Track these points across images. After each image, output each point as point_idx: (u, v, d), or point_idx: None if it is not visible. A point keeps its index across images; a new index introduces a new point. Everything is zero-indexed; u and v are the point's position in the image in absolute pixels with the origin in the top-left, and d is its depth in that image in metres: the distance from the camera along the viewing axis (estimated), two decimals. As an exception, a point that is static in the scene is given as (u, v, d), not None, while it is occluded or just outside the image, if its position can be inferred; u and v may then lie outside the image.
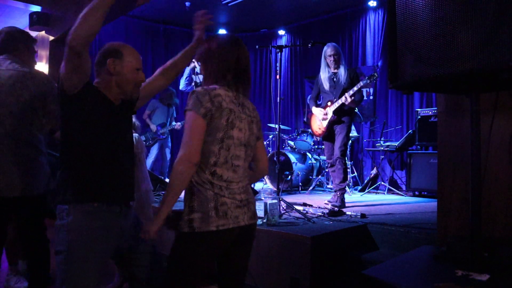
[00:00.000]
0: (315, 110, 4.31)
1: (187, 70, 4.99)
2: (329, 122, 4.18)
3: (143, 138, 6.13)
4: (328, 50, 4.15)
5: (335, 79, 4.17)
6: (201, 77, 4.86)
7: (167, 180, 6.01)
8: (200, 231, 1.59)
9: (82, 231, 1.57)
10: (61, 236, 1.56)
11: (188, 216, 1.63)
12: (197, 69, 4.82)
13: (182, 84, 5.12)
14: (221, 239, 1.62)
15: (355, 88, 3.96)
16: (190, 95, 1.63)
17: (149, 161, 6.30)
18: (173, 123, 6.67)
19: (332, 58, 4.12)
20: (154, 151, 6.45)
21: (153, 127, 6.43)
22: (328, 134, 4.25)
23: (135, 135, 3.10)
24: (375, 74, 4.12)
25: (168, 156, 6.79)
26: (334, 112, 4.12)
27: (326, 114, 4.18)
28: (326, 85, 4.20)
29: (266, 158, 1.85)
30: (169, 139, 6.81)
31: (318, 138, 4.74)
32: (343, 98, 3.98)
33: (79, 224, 1.58)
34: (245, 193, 1.71)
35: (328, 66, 4.19)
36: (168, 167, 6.86)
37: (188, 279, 1.65)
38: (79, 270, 1.55)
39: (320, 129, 4.31)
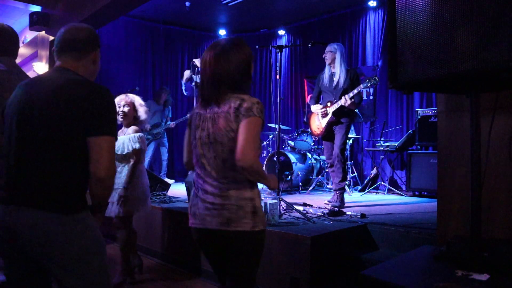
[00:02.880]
0: (314, 107, 4.31)
1: (186, 75, 4.99)
2: (328, 123, 4.18)
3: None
4: (326, 48, 4.18)
5: (335, 79, 4.16)
6: (201, 77, 4.88)
7: (166, 180, 6.01)
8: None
9: None
10: None
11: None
12: (198, 69, 4.82)
13: (184, 92, 5.14)
14: (194, 236, 1.79)
15: (355, 91, 3.96)
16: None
17: (146, 160, 6.32)
18: (168, 122, 6.67)
19: (325, 55, 4.16)
20: (149, 151, 6.46)
21: (147, 126, 6.44)
22: (327, 134, 4.25)
23: (141, 134, 3.13)
24: (376, 78, 4.11)
25: (166, 155, 6.79)
26: (334, 113, 4.12)
27: (324, 110, 4.18)
28: (327, 85, 4.20)
29: (240, 148, 1.60)
30: (166, 138, 6.82)
31: (318, 138, 4.74)
32: (343, 99, 3.97)
33: None
34: (222, 197, 1.67)
35: (329, 65, 4.20)
36: (166, 167, 6.86)
37: None
38: None
39: (319, 129, 4.31)
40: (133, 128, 3.16)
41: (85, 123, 1.45)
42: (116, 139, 1.55)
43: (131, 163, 3.04)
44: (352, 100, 3.97)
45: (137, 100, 3.27)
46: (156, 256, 3.92)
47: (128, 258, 3.20)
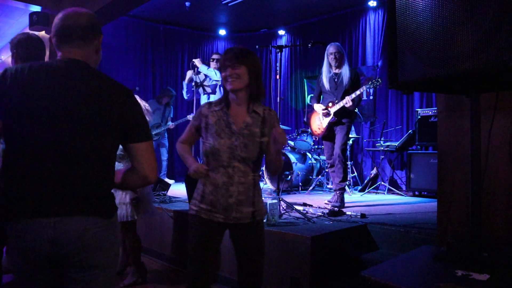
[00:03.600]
0: (316, 106, 4.30)
1: (189, 75, 4.99)
2: (329, 123, 4.18)
3: None
4: (330, 48, 4.14)
5: (336, 80, 4.16)
6: (201, 77, 4.88)
7: (166, 180, 6.00)
8: None
9: None
10: None
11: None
12: (198, 69, 4.83)
13: (184, 95, 5.13)
14: None
15: (358, 92, 3.96)
16: (275, 112, 2.07)
17: None
18: (169, 122, 6.67)
19: (333, 56, 4.10)
20: None
21: None
22: (328, 134, 4.25)
23: None
24: (379, 79, 4.10)
25: (165, 155, 6.78)
26: (335, 113, 4.12)
27: (326, 109, 4.17)
28: (327, 86, 4.19)
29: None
30: (166, 138, 6.81)
31: (318, 138, 4.74)
32: (345, 100, 3.97)
33: None
34: None
35: (330, 66, 4.18)
36: (166, 167, 6.86)
37: None
38: None
39: (319, 129, 4.31)
40: None
41: (124, 129, 1.44)
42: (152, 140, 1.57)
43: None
44: (353, 101, 3.97)
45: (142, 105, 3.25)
46: (157, 256, 3.92)
47: (139, 260, 3.21)
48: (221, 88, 4.87)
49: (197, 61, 4.87)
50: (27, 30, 6.04)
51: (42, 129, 1.35)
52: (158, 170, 1.58)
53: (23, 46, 2.39)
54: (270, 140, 1.90)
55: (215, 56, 5.02)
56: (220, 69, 1.98)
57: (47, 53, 2.61)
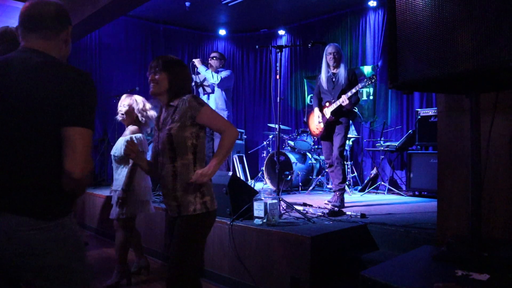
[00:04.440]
0: (315, 110, 4.31)
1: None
2: (327, 123, 4.18)
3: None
4: (329, 48, 4.16)
5: (334, 80, 4.17)
6: (201, 77, 4.88)
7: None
8: (212, 209, 2.01)
9: None
10: None
11: (202, 200, 1.98)
12: (197, 69, 4.83)
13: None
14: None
15: (354, 90, 3.97)
16: (191, 95, 2.02)
17: None
18: None
19: (331, 56, 4.12)
20: (149, 152, 6.45)
21: (148, 130, 6.43)
22: (326, 134, 4.25)
23: (140, 135, 3.11)
24: (374, 76, 4.12)
25: None
26: (332, 113, 4.12)
27: (320, 117, 4.20)
28: (325, 86, 4.20)
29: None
30: None
31: (318, 138, 4.75)
32: (341, 99, 3.99)
33: None
34: None
35: (328, 66, 4.20)
36: None
37: (201, 253, 2.06)
38: None
39: (318, 129, 4.32)
40: (130, 129, 3.14)
41: (60, 111, 1.25)
42: (93, 131, 1.33)
43: (130, 165, 3.02)
44: (350, 100, 3.98)
45: (139, 102, 3.21)
46: (157, 256, 3.92)
47: (124, 260, 3.17)
48: (220, 88, 4.90)
49: (196, 61, 4.87)
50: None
51: None
52: (87, 168, 1.28)
53: (0, 41, 2.34)
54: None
55: (214, 55, 5.02)
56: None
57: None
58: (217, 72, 4.88)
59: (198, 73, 4.87)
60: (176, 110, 1.98)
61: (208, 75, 4.76)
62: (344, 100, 3.97)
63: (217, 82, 4.74)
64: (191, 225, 1.96)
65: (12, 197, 1.23)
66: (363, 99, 6.91)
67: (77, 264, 1.35)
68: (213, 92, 4.91)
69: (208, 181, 2.03)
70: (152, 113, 3.24)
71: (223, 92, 4.85)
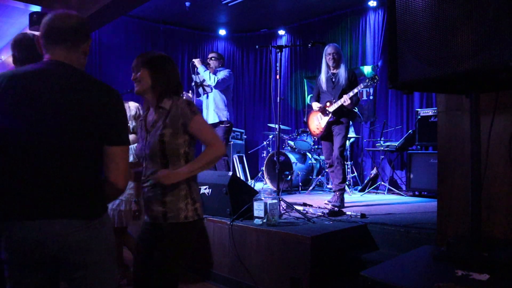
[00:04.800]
0: (314, 105, 4.31)
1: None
2: (327, 123, 4.18)
3: None
4: (328, 49, 4.16)
5: (334, 80, 4.17)
6: (201, 77, 4.87)
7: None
8: (202, 216, 1.97)
9: None
10: None
11: (193, 206, 1.90)
12: (197, 69, 4.82)
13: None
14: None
15: (355, 90, 3.97)
16: (185, 101, 1.94)
17: None
18: None
19: (331, 56, 4.12)
20: None
21: None
22: (327, 134, 4.25)
23: (135, 145, 3.07)
24: (376, 76, 4.11)
25: None
26: (333, 113, 4.12)
27: (325, 107, 4.17)
28: (325, 86, 4.20)
29: None
30: None
31: (317, 138, 4.76)
32: (343, 99, 3.98)
33: None
34: None
35: (328, 66, 4.20)
36: None
37: (188, 260, 2.03)
38: None
39: (318, 129, 4.32)
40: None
41: (103, 130, 1.40)
42: (129, 145, 1.51)
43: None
44: (351, 100, 3.98)
45: (132, 109, 3.11)
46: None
47: (121, 261, 3.16)
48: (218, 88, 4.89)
49: (196, 62, 4.87)
50: (27, 30, 6.05)
51: (21, 133, 1.35)
52: (127, 180, 1.51)
53: (18, 48, 2.35)
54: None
55: (212, 55, 5.01)
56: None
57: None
58: (215, 72, 4.87)
59: (198, 73, 4.86)
60: (169, 115, 1.88)
61: (205, 75, 4.76)
62: (346, 99, 3.96)
63: (213, 84, 4.73)
64: (183, 233, 1.86)
65: (63, 205, 1.37)
66: (363, 99, 6.91)
67: (112, 256, 1.51)
68: (212, 92, 4.90)
69: (196, 186, 1.96)
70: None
71: (222, 92, 4.85)
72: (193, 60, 4.90)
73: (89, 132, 1.38)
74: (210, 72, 4.76)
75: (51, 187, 1.36)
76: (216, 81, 4.70)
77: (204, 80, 4.87)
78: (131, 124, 3.11)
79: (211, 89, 4.89)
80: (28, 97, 1.35)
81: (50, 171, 1.36)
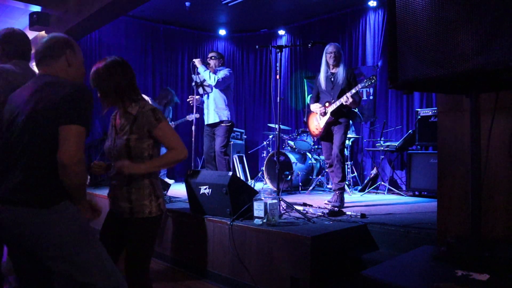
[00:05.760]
0: (313, 106, 4.31)
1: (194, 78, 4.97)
2: (326, 123, 4.18)
3: None
4: (329, 47, 4.16)
5: (333, 80, 4.17)
6: (201, 76, 4.87)
7: (166, 180, 6.00)
8: (164, 210, 2.14)
9: None
10: None
11: (156, 202, 2.07)
12: (197, 69, 4.82)
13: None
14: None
15: (353, 91, 3.96)
16: (150, 108, 2.07)
17: None
18: (170, 123, 6.66)
19: (332, 55, 4.12)
20: None
21: None
22: (326, 134, 4.25)
23: None
24: (374, 77, 4.10)
25: None
26: (332, 113, 4.12)
27: (324, 108, 4.17)
28: (324, 86, 4.20)
29: None
30: None
31: (317, 138, 4.76)
32: (344, 98, 3.97)
33: None
34: None
35: (327, 65, 4.19)
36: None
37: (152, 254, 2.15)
38: None
39: (317, 129, 4.32)
40: None
41: (55, 114, 1.52)
42: (88, 129, 1.58)
43: None
44: (353, 98, 3.97)
45: None
46: (157, 257, 3.92)
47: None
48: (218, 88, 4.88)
49: (197, 61, 4.86)
50: (27, 30, 6.06)
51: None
52: (80, 160, 1.54)
53: (8, 42, 2.38)
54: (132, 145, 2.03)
55: (212, 55, 5.01)
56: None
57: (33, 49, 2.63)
58: (215, 71, 4.87)
59: (198, 73, 4.86)
60: (136, 121, 2.02)
61: (205, 75, 4.75)
62: (347, 98, 3.95)
63: (213, 84, 4.73)
64: (148, 227, 2.05)
65: (14, 193, 1.52)
66: (363, 99, 6.91)
67: (77, 243, 1.57)
68: (212, 91, 4.90)
69: (158, 183, 2.13)
70: None
71: (222, 92, 4.85)
72: (194, 60, 4.90)
73: (43, 120, 1.53)
74: (210, 72, 4.75)
75: (7, 175, 1.54)
76: (216, 80, 4.69)
77: (204, 80, 4.86)
78: None
79: (212, 89, 4.88)
80: (12, 108, 1.64)
81: (8, 162, 1.56)
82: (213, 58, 4.96)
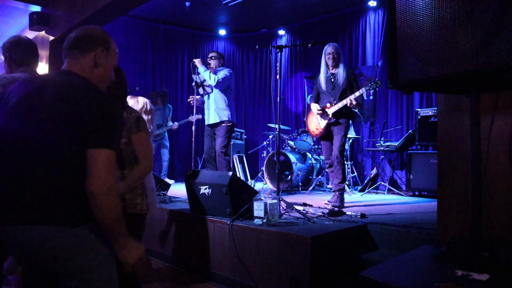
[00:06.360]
0: (312, 106, 4.31)
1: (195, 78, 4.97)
2: (327, 124, 4.18)
3: None
4: (328, 48, 4.16)
5: (333, 80, 4.17)
6: (201, 77, 4.87)
7: (166, 180, 6.00)
8: (148, 209, 2.32)
9: None
10: None
11: (145, 201, 2.26)
12: (197, 69, 4.82)
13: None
14: None
15: (357, 94, 3.96)
16: (136, 116, 2.21)
17: None
18: (169, 123, 6.65)
19: (331, 56, 4.12)
20: None
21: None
22: (326, 135, 4.25)
23: None
24: (379, 81, 4.08)
25: (167, 156, 6.78)
26: (333, 114, 4.11)
27: (323, 110, 4.17)
28: (324, 86, 4.20)
29: None
30: (167, 139, 6.80)
31: (317, 138, 4.77)
32: (347, 100, 3.97)
33: None
34: None
35: (327, 66, 4.19)
36: (167, 167, 6.87)
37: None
38: None
39: (317, 129, 4.32)
40: None
41: (82, 134, 1.34)
42: (116, 151, 1.41)
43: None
44: (357, 101, 3.97)
45: (139, 102, 3.13)
46: (157, 256, 3.92)
47: None
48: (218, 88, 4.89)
49: (197, 62, 4.86)
50: (27, 30, 6.06)
51: (4, 140, 1.40)
52: (111, 188, 1.36)
53: (15, 50, 2.40)
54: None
55: (212, 55, 5.01)
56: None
57: (45, 54, 2.64)
58: (216, 71, 4.87)
59: (199, 73, 4.86)
60: (124, 127, 2.11)
61: (206, 75, 4.75)
62: (351, 101, 3.94)
63: (213, 84, 4.73)
64: (138, 222, 2.21)
65: (42, 211, 1.35)
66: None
67: (102, 268, 1.44)
68: (212, 91, 4.90)
69: (144, 185, 2.32)
70: (151, 116, 3.18)
71: (223, 92, 4.85)
72: (194, 60, 4.90)
73: (68, 137, 1.35)
74: (210, 72, 4.75)
75: (30, 194, 1.35)
76: (216, 80, 4.69)
77: (204, 80, 4.86)
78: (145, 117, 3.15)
79: (212, 89, 4.88)
80: (18, 104, 1.41)
81: (27, 177, 1.35)
82: (213, 58, 4.96)
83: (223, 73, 4.79)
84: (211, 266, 3.31)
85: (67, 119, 1.35)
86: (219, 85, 4.75)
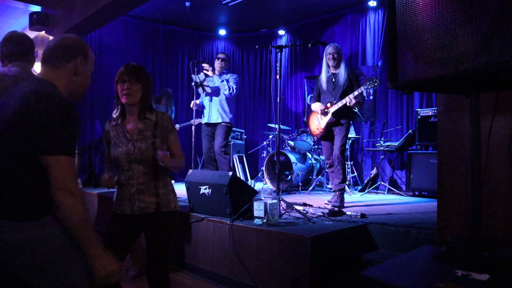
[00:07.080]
0: (314, 105, 4.31)
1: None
2: (327, 123, 4.18)
3: None
4: (328, 48, 4.16)
5: (334, 80, 4.17)
6: (201, 76, 4.87)
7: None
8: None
9: None
10: None
11: (177, 198, 2.25)
12: (197, 69, 4.83)
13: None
14: None
15: (356, 93, 3.96)
16: (168, 116, 2.26)
17: None
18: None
19: (331, 56, 4.12)
20: None
21: None
22: (326, 134, 4.25)
23: None
24: (377, 80, 4.09)
25: None
26: (334, 114, 4.12)
27: (326, 108, 4.17)
28: (325, 86, 4.20)
29: None
30: None
31: (318, 138, 4.76)
32: (347, 99, 3.97)
33: None
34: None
35: (328, 66, 4.20)
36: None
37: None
38: None
39: (318, 129, 4.32)
40: None
41: (38, 139, 1.35)
42: (74, 157, 1.42)
43: None
44: (357, 99, 3.97)
45: None
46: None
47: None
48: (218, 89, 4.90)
49: (210, 71, 4.91)
50: (27, 30, 6.06)
51: None
52: (75, 194, 1.38)
53: (7, 44, 2.40)
54: (160, 144, 2.15)
55: (222, 56, 5.02)
56: (117, 81, 2.14)
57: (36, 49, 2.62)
58: (221, 74, 4.90)
59: (198, 73, 4.86)
60: (158, 126, 2.16)
61: (223, 87, 4.80)
62: (351, 100, 3.95)
63: (227, 94, 4.77)
64: (173, 220, 2.19)
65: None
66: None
67: (66, 261, 1.42)
68: (212, 91, 4.90)
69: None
70: None
71: (231, 98, 4.89)
72: (203, 65, 4.93)
73: (26, 139, 1.36)
74: (227, 83, 4.80)
75: None
76: (234, 90, 4.76)
77: (204, 80, 4.87)
78: None
79: (211, 89, 4.89)
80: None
81: None
82: (223, 60, 4.97)
83: (232, 80, 4.82)
84: (211, 266, 3.31)
85: (25, 126, 1.37)
86: (233, 94, 4.80)
